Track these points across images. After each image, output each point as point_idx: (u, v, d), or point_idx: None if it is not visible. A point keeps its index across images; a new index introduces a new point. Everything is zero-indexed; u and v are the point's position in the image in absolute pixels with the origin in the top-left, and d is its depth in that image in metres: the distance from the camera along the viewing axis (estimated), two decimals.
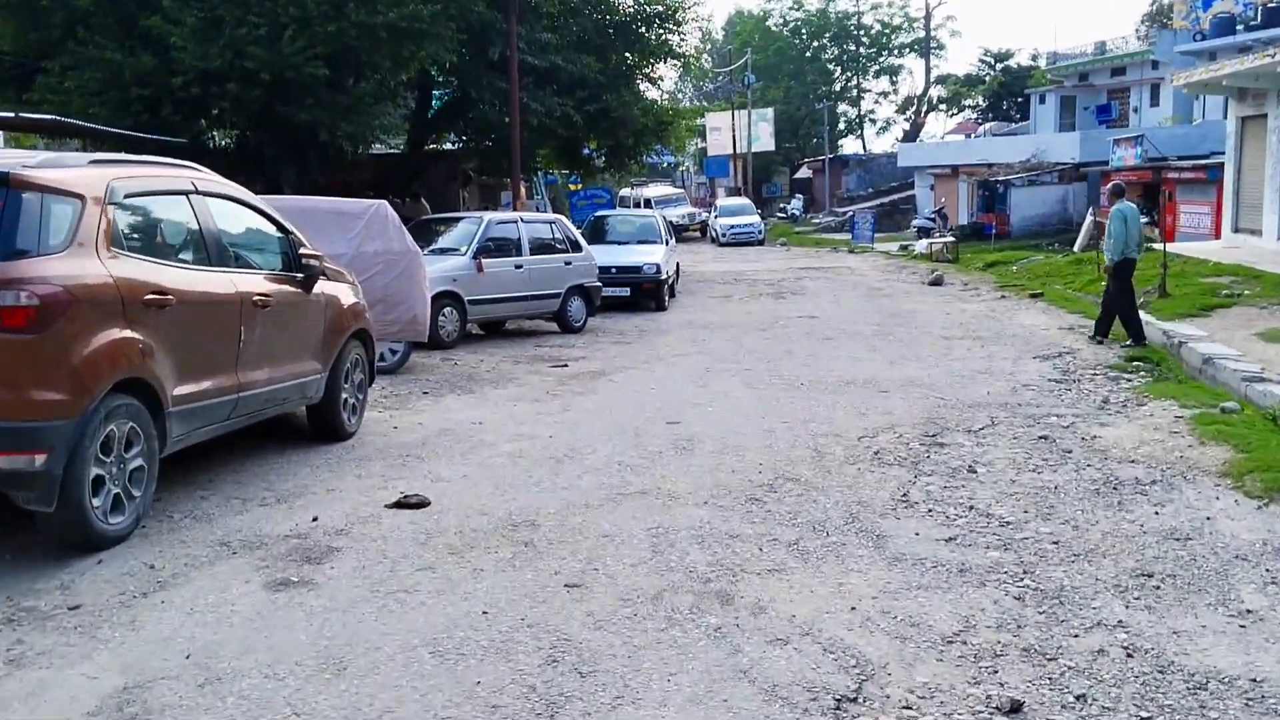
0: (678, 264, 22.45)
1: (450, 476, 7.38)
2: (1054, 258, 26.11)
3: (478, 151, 27.32)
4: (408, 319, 11.43)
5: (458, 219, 15.63)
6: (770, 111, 53.96)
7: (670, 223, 46.51)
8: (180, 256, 6.61)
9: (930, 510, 6.55)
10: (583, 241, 16.39)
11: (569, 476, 7.39)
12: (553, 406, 10.18)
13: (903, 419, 9.26)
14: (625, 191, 48.62)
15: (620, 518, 6.38)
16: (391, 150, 29.61)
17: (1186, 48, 41.79)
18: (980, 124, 52.71)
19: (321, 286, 8.02)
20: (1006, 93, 55.63)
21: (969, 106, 59.61)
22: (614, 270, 18.72)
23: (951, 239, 31.01)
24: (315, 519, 6.35)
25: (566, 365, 12.73)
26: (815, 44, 62.53)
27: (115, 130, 16.74)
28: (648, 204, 45.79)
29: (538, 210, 34.14)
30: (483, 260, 14.43)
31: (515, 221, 15.31)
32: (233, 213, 7.23)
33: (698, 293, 22.50)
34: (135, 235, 6.23)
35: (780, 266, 29.35)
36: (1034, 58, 57.71)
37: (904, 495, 6.89)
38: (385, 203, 11.81)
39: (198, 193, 6.84)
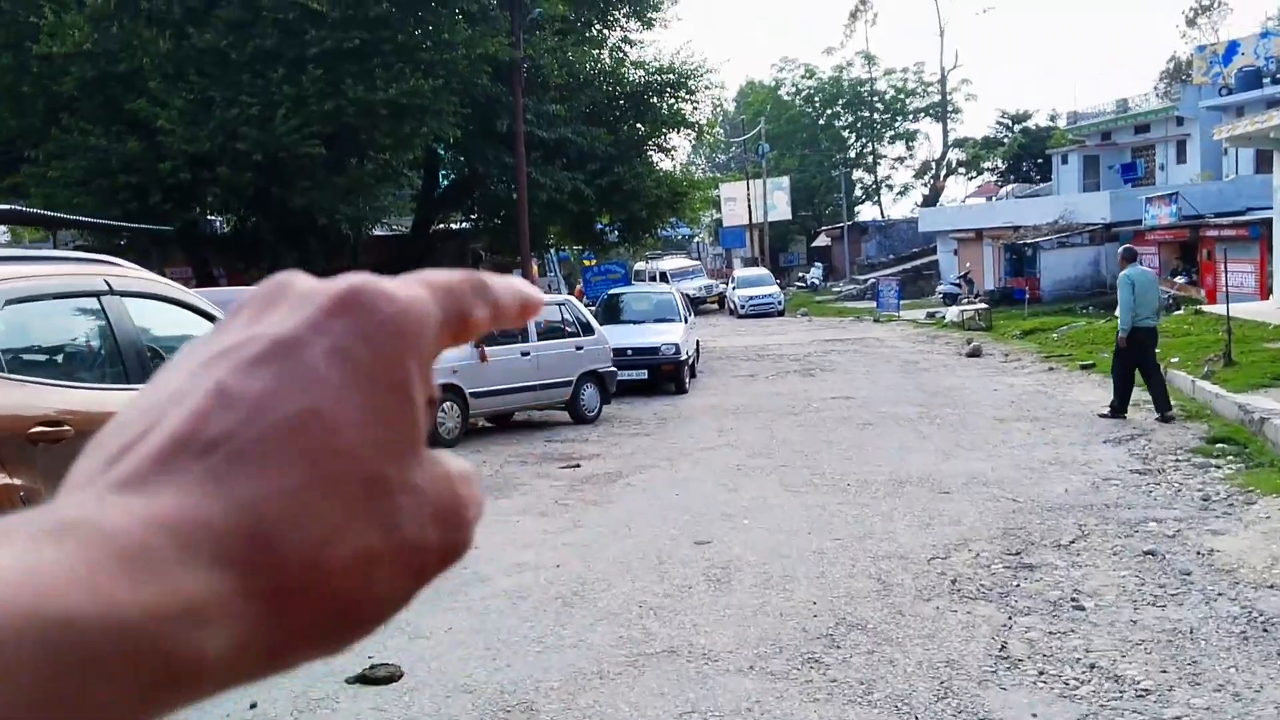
0: (697, 341, 21.13)
1: (433, 630, 5.97)
2: (1095, 323, 24.68)
3: (487, 230, 26.25)
4: None
5: None
6: (786, 180, 53.02)
7: (687, 296, 45.72)
8: (83, 374, 5.29)
9: (1041, 672, 5.10)
10: (595, 323, 15.10)
11: (579, 627, 5.97)
12: (562, 522, 8.78)
13: (975, 530, 7.82)
14: (640, 265, 47.58)
15: (642, 694, 4.96)
16: (398, 231, 28.57)
17: (1212, 102, 40.76)
18: (1001, 186, 51.65)
19: None
20: (1026, 154, 54.63)
21: (988, 169, 58.61)
22: (630, 352, 17.41)
23: (984, 306, 29.65)
24: (254, 705, 4.95)
25: (579, 465, 11.35)
26: (829, 111, 61.88)
27: (100, 221, 15.66)
28: (663, 277, 44.68)
29: (550, 289, 33.13)
30: (485, 348, 13.14)
31: None
32: (158, 314, 5.92)
33: (720, 371, 21.15)
34: (22, 351, 4.92)
35: (804, 339, 28.01)
36: (1053, 118, 56.83)
37: (1002, 648, 5.44)
38: None
39: (112, 293, 5.54)
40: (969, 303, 35.46)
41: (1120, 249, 14.84)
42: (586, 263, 41.38)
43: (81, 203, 17.68)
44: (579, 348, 14.51)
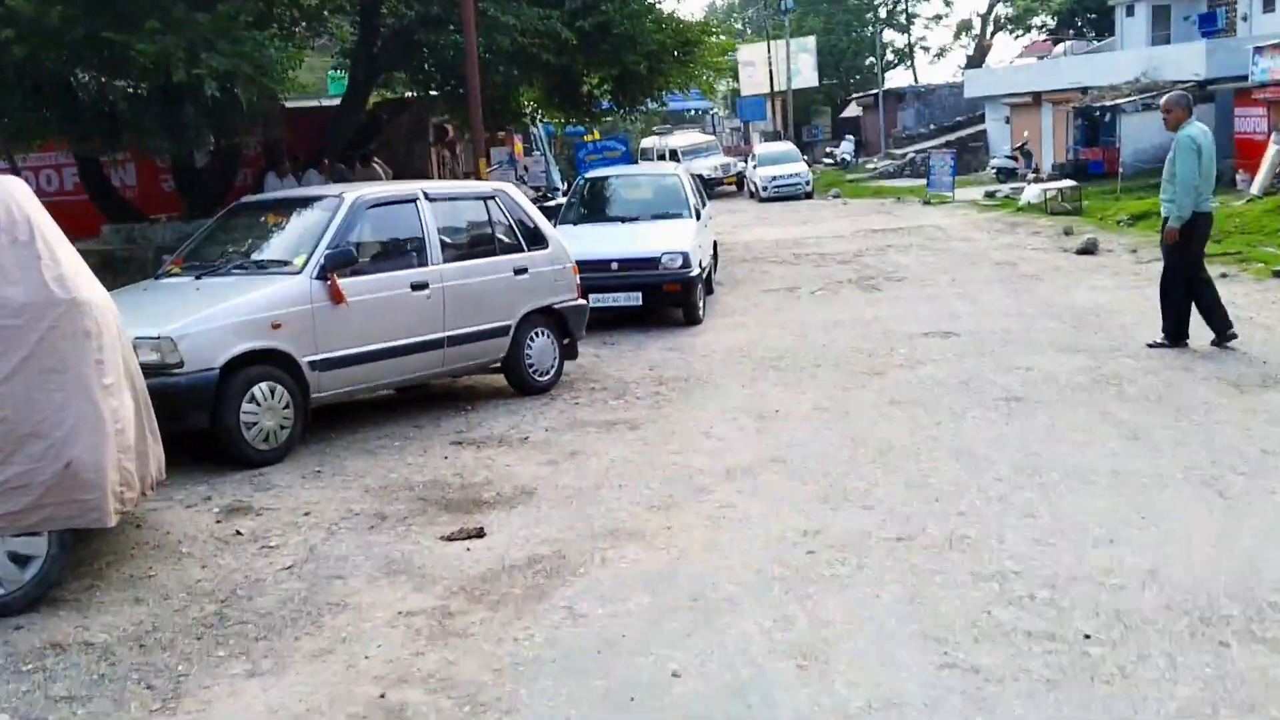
0: (715, 243, 15.12)
1: None
2: (1231, 203, 18.52)
3: (444, 96, 19.93)
4: (45, 477, 4.44)
5: (297, 201, 8.37)
6: (811, 41, 45.89)
7: (702, 178, 39.14)
8: None
9: None
10: (549, 229, 9.10)
11: None
12: None
13: None
14: (647, 142, 41.17)
15: None
16: (331, 103, 22.26)
17: None
18: (1055, 44, 44.55)
19: None
20: (1080, 7, 47.30)
21: (1036, 26, 51.24)
22: (615, 265, 11.50)
23: (1072, 183, 23.39)
24: None
25: (479, 534, 5.53)
26: None
27: None
28: (673, 155, 38.31)
29: (537, 171, 26.96)
30: (340, 281, 7.27)
31: (413, 200, 8.02)
32: None
33: (745, 282, 15.19)
34: None
35: (847, 229, 21.90)
36: None
37: None
38: None
39: None
40: (1033, 179, 29.21)
41: (1171, 96, 9.24)
42: (588, 138, 35.03)
43: None
44: (521, 270, 8.58)
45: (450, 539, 5.46)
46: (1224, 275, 12.40)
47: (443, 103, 20.41)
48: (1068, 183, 23.42)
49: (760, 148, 38.96)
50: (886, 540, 5.10)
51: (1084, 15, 47.93)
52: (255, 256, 7.70)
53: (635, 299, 11.45)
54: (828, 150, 47.09)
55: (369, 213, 7.79)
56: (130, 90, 13.82)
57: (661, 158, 38.40)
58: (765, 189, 33.51)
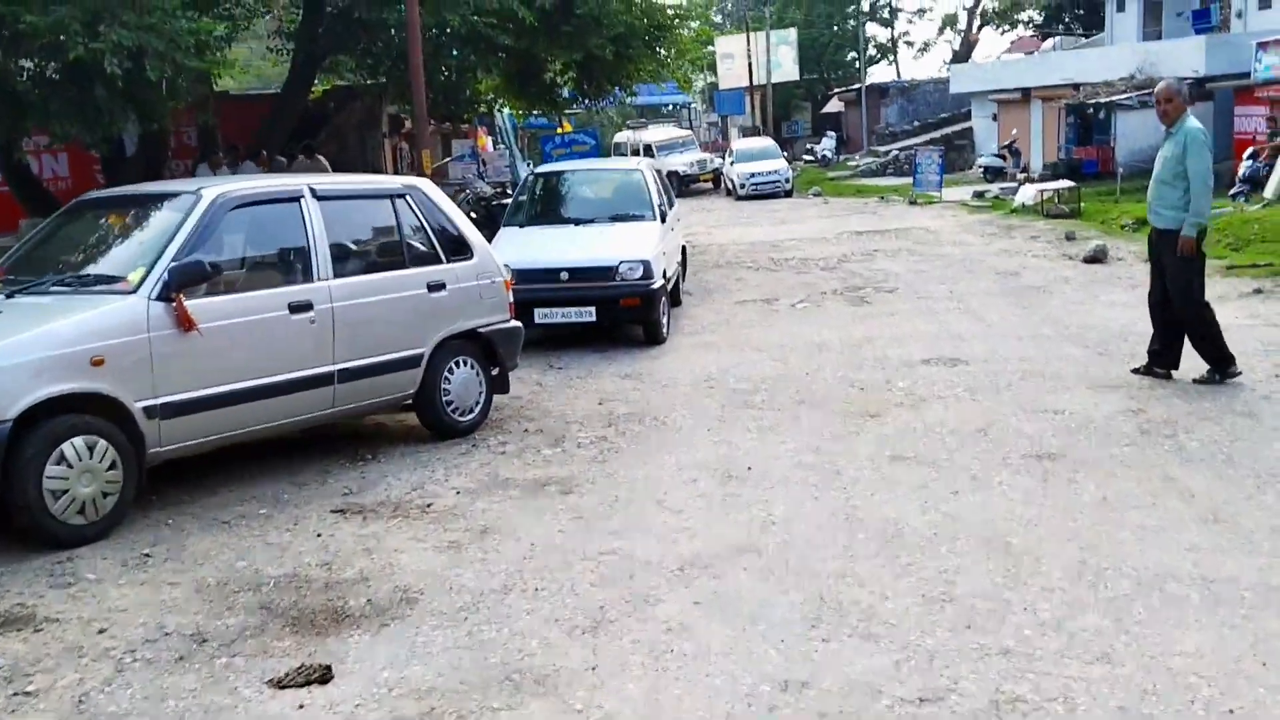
0: (684, 248, 13.52)
1: None
2: (1248, 208, 17.09)
3: (393, 82, 18.25)
4: None
5: (145, 199, 6.64)
6: (792, 33, 44.22)
7: (677, 174, 37.45)
8: None
9: None
10: (474, 236, 7.44)
11: None
12: None
13: None
14: (620, 136, 39.52)
15: None
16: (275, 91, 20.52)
17: None
18: (1043, 39, 43.15)
19: None
20: (1070, 2, 45.94)
21: (1023, 21, 49.80)
22: (565, 275, 9.88)
23: (1070, 184, 21.89)
24: None
25: (325, 678, 3.92)
26: None
27: None
28: (648, 150, 36.70)
29: (501, 166, 25.29)
30: (190, 303, 5.62)
31: (295, 198, 6.35)
32: None
33: (717, 291, 13.61)
34: None
35: (830, 231, 20.34)
36: None
37: None
38: None
39: None
40: (1024, 178, 27.77)
41: (1169, 84, 7.76)
42: (563, 130, 33.38)
43: None
44: (437, 286, 6.94)
45: (281, 684, 3.83)
46: (1258, 291, 10.94)
47: (392, 90, 18.74)
48: (1065, 183, 21.93)
49: (738, 143, 37.35)
50: (904, 703, 3.51)
51: (1072, 10, 46.54)
52: (84, 270, 6.03)
53: (588, 314, 9.83)
54: (808, 147, 45.51)
55: (235, 215, 6.12)
56: (37, 70, 12.13)
57: (636, 153, 36.72)
58: (743, 186, 31.91)
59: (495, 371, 7.40)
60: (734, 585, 4.54)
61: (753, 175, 32.00)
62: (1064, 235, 16.86)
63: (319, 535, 5.39)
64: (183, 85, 13.91)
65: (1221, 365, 7.56)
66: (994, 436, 6.53)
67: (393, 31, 15.83)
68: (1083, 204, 20.47)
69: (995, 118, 37.05)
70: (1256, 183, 20.86)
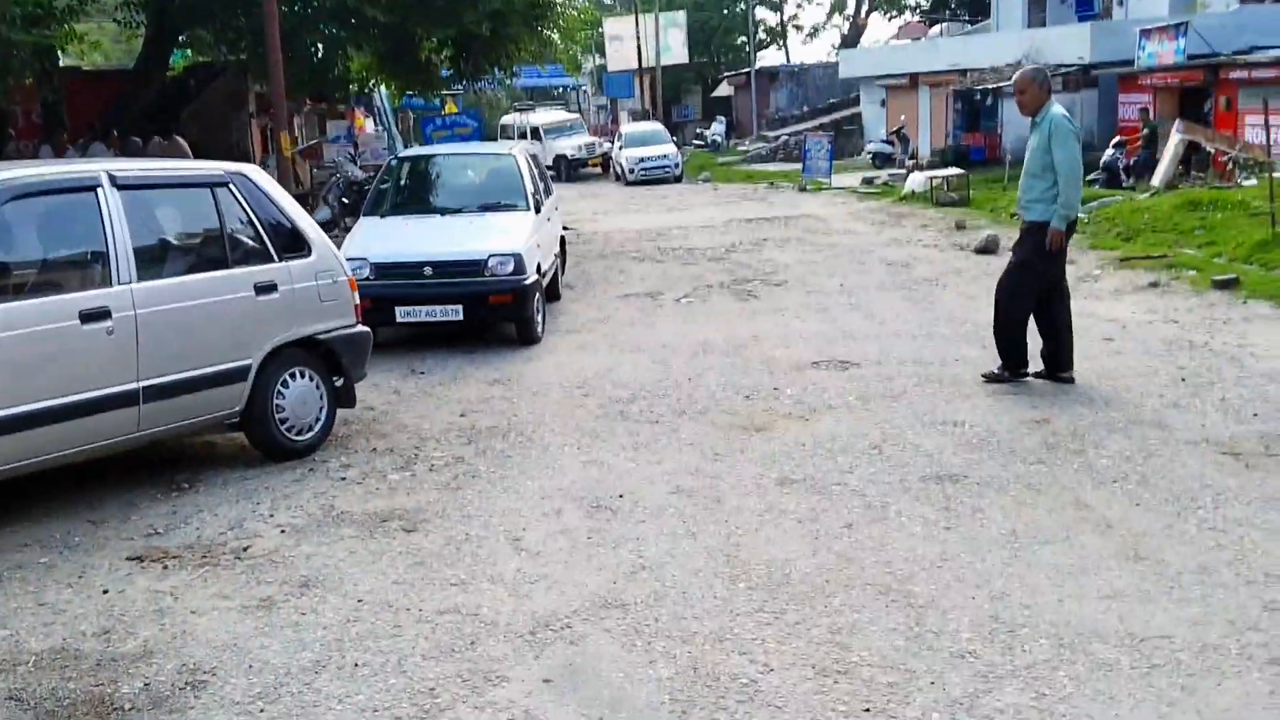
0: (562, 238, 12.73)
1: None
2: (1135, 197, 17.00)
3: (254, 59, 17.12)
4: None
5: None
6: (682, 16, 43.56)
7: (566, 158, 36.58)
8: None
9: None
10: (313, 230, 6.55)
11: None
12: None
13: None
14: (507, 119, 38.40)
15: None
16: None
17: None
18: (930, 25, 43.31)
19: None
20: None
21: (911, 7, 49.97)
22: (429, 270, 9.05)
23: (959, 171, 21.69)
24: None
25: None
26: None
27: None
28: (535, 134, 35.75)
29: (379, 148, 24.11)
30: None
31: (90, 187, 5.41)
32: None
33: (599, 284, 12.88)
34: None
35: (719, 218, 19.76)
36: None
37: None
38: None
39: None
40: (912, 164, 27.62)
41: (1025, 72, 7.32)
42: (444, 111, 32.21)
43: None
44: (266, 288, 6.07)
45: None
46: (1154, 284, 10.64)
47: (255, 66, 17.57)
48: (954, 171, 21.72)
49: (627, 127, 36.64)
50: None
51: None
52: None
53: (455, 313, 9.00)
54: (698, 131, 45.01)
55: (13, 207, 5.17)
56: None
57: (523, 136, 35.70)
58: (632, 171, 31.21)
59: (339, 383, 6.56)
60: (594, 653, 3.83)
61: (642, 160, 31.32)
62: (954, 224, 16.55)
63: (105, 592, 4.52)
64: (16, 61, 12.78)
65: (1014, 367, 7.26)
66: (890, 454, 5.94)
67: (250, 4, 14.75)
68: (971, 191, 20.26)
69: (884, 103, 36.98)
70: (1114, 172, 21.00)
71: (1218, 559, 4.40)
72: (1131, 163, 21.20)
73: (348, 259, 8.68)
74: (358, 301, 6.68)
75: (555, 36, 18.63)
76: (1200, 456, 5.65)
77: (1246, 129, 22.33)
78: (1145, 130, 22.24)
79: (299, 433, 6.27)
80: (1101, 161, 21.49)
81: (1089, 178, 20.31)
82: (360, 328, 6.68)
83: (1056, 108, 7.04)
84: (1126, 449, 5.83)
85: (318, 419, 6.39)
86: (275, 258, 6.19)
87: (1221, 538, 4.61)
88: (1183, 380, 7.16)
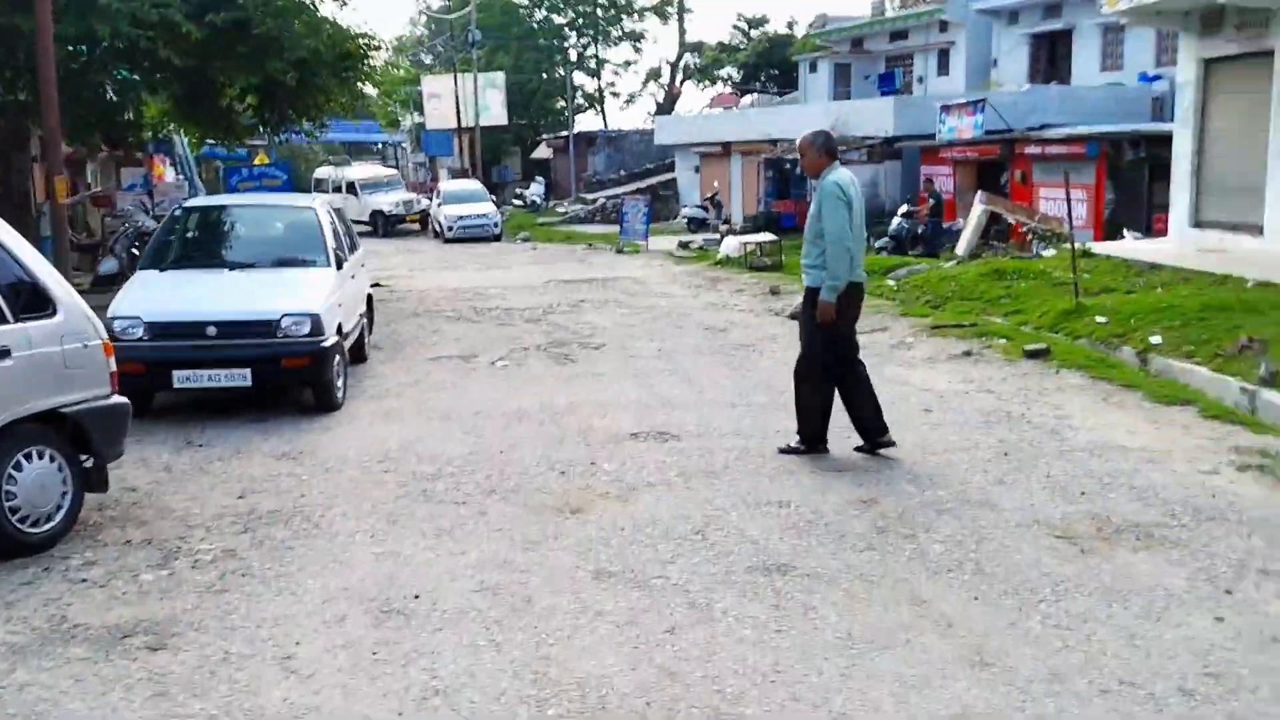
0: (369, 296, 11.88)
1: None
2: (941, 265, 17.29)
3: (34, 99, 15.57)
4: None
5: None
6: (500, 76, 43.11)
7: (383, 214, 35.36)
8: None
9: None
10: (60, 286, 5.60)
11: None
12: None
13: None
14: (321, 172, 37.11)
15: None
16: None
17: (985, 5, 34.68)
18: (742, 95, 44.24)
19: None
20: (765, 62, 47.51)
21: (724, 78, 50.99)
22: (213, 330, 8.10)
23: (771, 237, 21.76)
24: None
25: None
26: (546, 3, 51.90)
27: None
28: (351, 188, 34.63)
29: (179, 198, 22.58)
30: None
31: None
32: None
33: (410, 344, 12.06)
34: None
35: (538, 278, 19.19)
36: (790, 25, 50.00)
37: None
38: None
39: None
40: (726, 229, 27.79)
41: (805, 135, 6.90)
42: (257, 161, 30.73)
43: None
44: None
45: None
46: (968, 353, 10.55)
47: (32, 107, 16.05)
48: (767, 236, 21.79)
49: (446, 185, 35.84)
50: None
51: (768, 70, 48.19)
52: None
53: (242, 378, 8.07)
54: (518, 191, 44.53)
55: None
56: None
57: (338, 190, 34.53)
58: (451, 229, 30.41)
59: (88, 463, 5.59)
60: None
61: (461, 218, 30.59)
62: (768, 289, 16.43)
63: None
64: None
65: (811, 441, 6.93)
66: (714, 540, 5.39)
67: (31, 41, 13.41)
68: (784, 257, 20.32)
69: (698, 170, 37.42)
70: (900, 241, 21.61)
71: (1067, 663, 3.99)
72: (920, 232, 21.83)
73: (118, 317, 7.74)
74: (114, 369, 5.73)
75: (369, 89, 17.79)
76: (1034, 541, 5.31)
77: (1041, 201, 23.38)
78: (931, 200, 23.02)
79: (35, 524, 5.27)
80: (889, 230, 22.08)
81: (877, 245, 20.81)
82: (116, 399, 5.73)
83: (835, 174, 6.66)
84: (958, 532, 5.45)
85: (59, 507, 5.40)
86: (9, 318, 5.22)
87: (1068, 637, 4.21)
88: (1005, 455, 6.90)
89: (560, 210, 39.01)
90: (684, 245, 25.85)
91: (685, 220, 32.43)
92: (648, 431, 7.71)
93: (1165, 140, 17.29)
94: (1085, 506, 5.80)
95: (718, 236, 25.62)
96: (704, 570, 4.98)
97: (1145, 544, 5.20)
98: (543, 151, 49.11)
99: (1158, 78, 26.43)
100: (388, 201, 34.62)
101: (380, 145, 56.40)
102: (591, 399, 8.91)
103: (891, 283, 16.04)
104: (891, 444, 6.89)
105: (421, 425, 8.09)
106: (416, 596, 4.71)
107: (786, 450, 7.00)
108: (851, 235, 6.60)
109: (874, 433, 6.92)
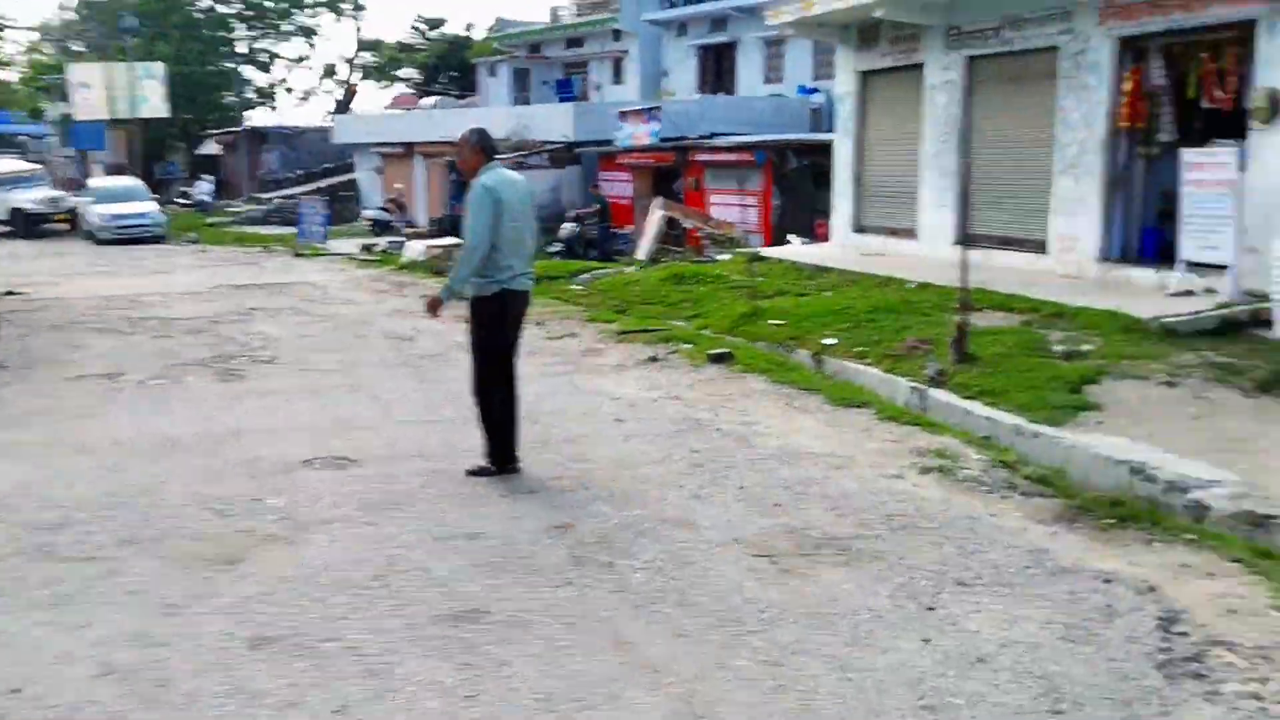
0: None
1: None
2: (625, 270, 17.26)
3: None
4: None
5: None
6: (160, 67, 39.48)
7: (24, 212, 31.56)
8: None
9: None
10: None
11: None
12: None
13: None
14: None
15: None
16: None
17: (655, 16, 35.48)
18: (420, 97, 43.03)
19: None
20: (444, 64, 46.55)
21: (403, 79, 49.49)
22: None
23: (458, 241, 21.01)
24: None
25: None
26: None
27: None
28: None
29: None
30: None
31: None
32: None
33: (45, 362, 10.47)
34: None
35: (205, 284, 17.52)
36: (468, 27, 49.28)
37: None
38: None
39: None
40: (410, 232, 26.83)
41: (463, 134, 6.48)
42: None
43: None
44: None
45: None
46: (654, 359, 10.36)
47: None
48: (453, 240, 21.02)
49: (98, 181, 32.50)
50: None
51: (448, 72, 47.27)
52: None
53: None
54: (183, 190, 41.22)
55: None
56: None
57: None
58: (104, 229, 27.52)
59: None
60: None
61: (116, 217, 27.77)
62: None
63: None
64: None
65: (499, 459, 6.48)
66: (396, 586, 4.73)
67: None
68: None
69: (380, 170, 36.07)
70: (571, 246, 21.89)
71: (782, 709, 3.66)
72: (591, 237, 22.12)
73: None
74: None
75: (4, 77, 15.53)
76: (735, 562, 5.01)
77: (713, 207, 24.03)
78: (597, 205, 23.35)
79: None
80: (560, 235, 22.21)
81: (550, 250, 20.80)
82: None
83: (490, 174, 6.22)
84: (658, 557, 5.08)
85: None
86: None
87: (779, 674, 3.89)
88: (699, 466, 6.64)
89: (233, 210, 36.40)
90: (367, 249, 24.67)
91: (368, 222, 31.08)
92: (323, 458, 6.90)
93: (826, 149, 18.10)
94: (782, 520, 5.59)
95: (402, 240, 24.63)
96: (384, 625, 4.31)
97: (845, 558, 5.02)
98: (211, 147, 45.74)
99: (815, 90, 27.84)
100: (30, 199, 30.89)
101: (21, 137, 50.64)
102: (260, 422, 7.95)
103: (577, 287, 15.80)
104: (515, 472, 6.46)
105: (49, 462, 6.87)
106: (16, 691, 3.75)
107: (475, 472, 6.44)
108: (501, 238, 6.11)
109: (501, 457, 6.47)
